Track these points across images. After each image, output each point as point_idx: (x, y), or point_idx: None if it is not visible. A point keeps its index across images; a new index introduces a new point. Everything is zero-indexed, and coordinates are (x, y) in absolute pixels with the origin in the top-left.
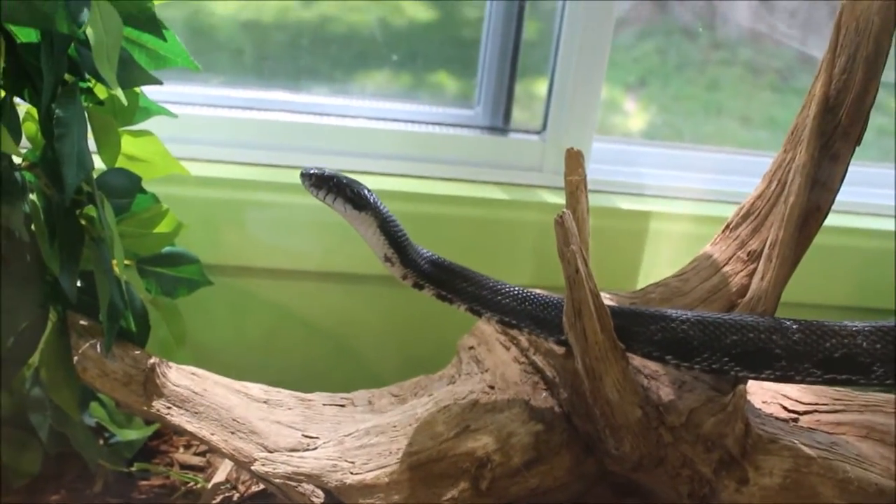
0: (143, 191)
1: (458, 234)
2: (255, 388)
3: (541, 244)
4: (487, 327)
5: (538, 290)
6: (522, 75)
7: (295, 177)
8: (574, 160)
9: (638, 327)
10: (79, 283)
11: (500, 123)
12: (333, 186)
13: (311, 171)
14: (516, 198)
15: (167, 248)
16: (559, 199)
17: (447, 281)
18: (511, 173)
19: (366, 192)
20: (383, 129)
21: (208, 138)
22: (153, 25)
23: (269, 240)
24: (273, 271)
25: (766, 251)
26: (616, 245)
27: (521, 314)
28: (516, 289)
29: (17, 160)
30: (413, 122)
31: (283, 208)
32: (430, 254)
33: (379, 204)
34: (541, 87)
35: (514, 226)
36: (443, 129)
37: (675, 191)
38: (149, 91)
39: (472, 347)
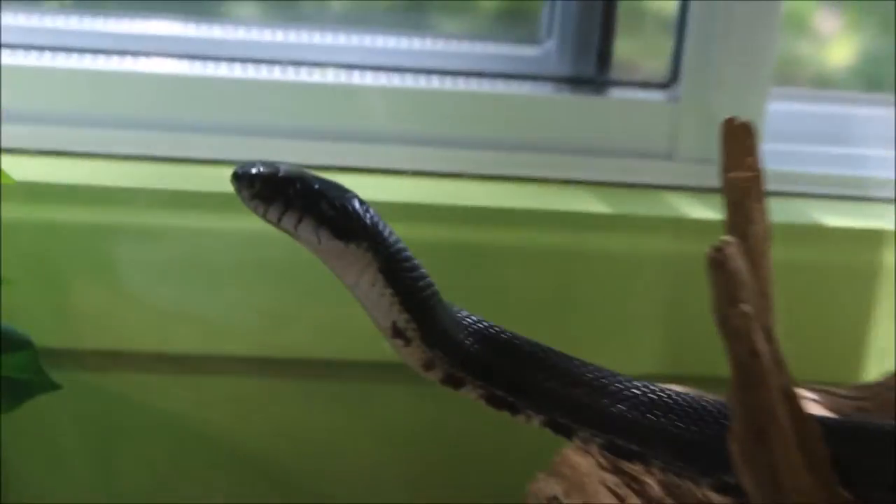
0: None
1: (520, 281)
2: None
3: (676, 297)
4: (583, 458)
5: (676, 388)
6: None
7: (206, 177)
8: (740, 140)
9: (875, 459)
10: None
11: (593, 71)
12: (296, 197)
13: (254, 170)
14: (626, 211)
15: None
16: (711, 214)
17: (508, 370)
18: (615, 165)
19: (356, 204)
20: (372, 87)
21: (46, 110)
22: None
23: (164, 301)
24: (174, 359)
25: None
26: (822, 296)
27: (647, 433)
28: (636, 385)
29: None
30: (428, 71)
31: (189, 239)
32: (474, 320)
33: (381, 227)
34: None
35: (624, 263)
36: (485, 84)
37: None
38: None
39: (555, 497)
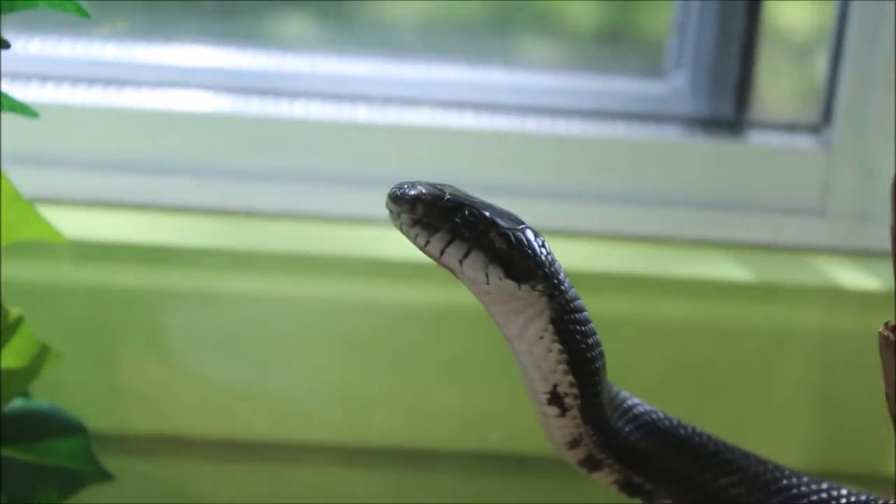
0: None
1: (643, 360)
2: None
3: (828, 380)
4: None
5: (838, 486)
6: None
7: (279, 235)
8: None
9: None
10: None
11: (731, 110)
12: (465, 226)
13: (415, 191)
14: (770, 277)
15: (17, 404)
16: (872, 281)
17: (655, 457)
18: (756, 222)
19: (532, 237)
20: (468, 132)
21: (94, 155)
22: None
23: (230, 379)
24: (241, 446)
25: None
26: None
27: None
28: (795, 479)
29: None
30: (534, 110)
31: (259, 307)
32: (633, 401)
33: (558, 268)
34: (798, 16)
35: (767, 339)
36: (598, 127)
37: None
38: None
39: None
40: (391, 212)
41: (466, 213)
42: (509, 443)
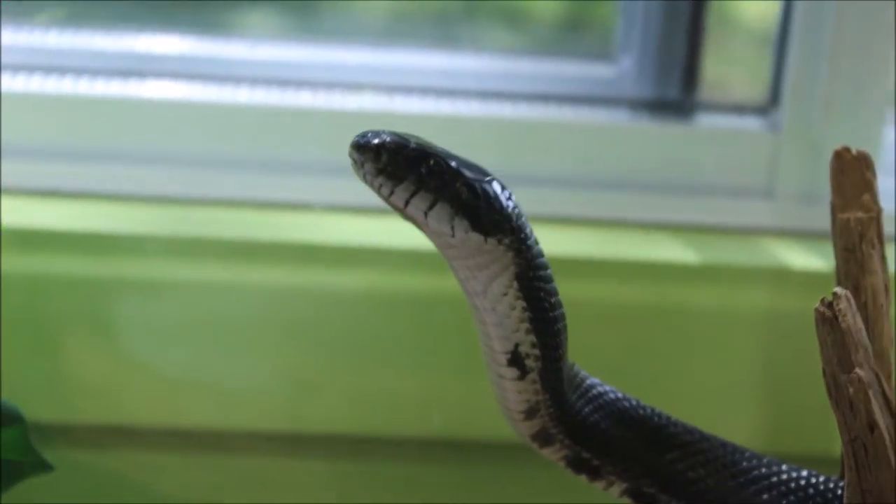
0: None
1: (591, 342)
2: None
3: (775, 360)
4: None
5: (791, 466)
6: None
7: (223, 222)
8: (855, 175)
9: None
10: None
11: (677, 93)
12: (430, 176)
13: (379, 139)
14: (717, 259)
15: None
16: (818, 262)
17: (606, 433)
18: (704, 204)
19: (499, 189)
20: (413, 116)
21: (37, 143)
22: None
23: (174, 367)
24: (186, 435)
25: None
26: None
27: None
28: (745, 455)
29: None
30: (479, 94)
31: (204, 295)
32: (592, 379)
33: (524, 221)
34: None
35: (715, 320)
36: (548, 110)
37: None
38: None
39: None
40: (354, 161)
41: (432, 162)
42: (452, 427)
